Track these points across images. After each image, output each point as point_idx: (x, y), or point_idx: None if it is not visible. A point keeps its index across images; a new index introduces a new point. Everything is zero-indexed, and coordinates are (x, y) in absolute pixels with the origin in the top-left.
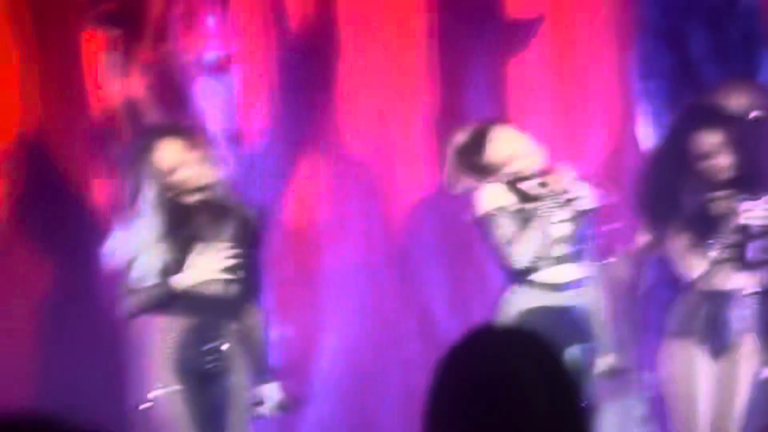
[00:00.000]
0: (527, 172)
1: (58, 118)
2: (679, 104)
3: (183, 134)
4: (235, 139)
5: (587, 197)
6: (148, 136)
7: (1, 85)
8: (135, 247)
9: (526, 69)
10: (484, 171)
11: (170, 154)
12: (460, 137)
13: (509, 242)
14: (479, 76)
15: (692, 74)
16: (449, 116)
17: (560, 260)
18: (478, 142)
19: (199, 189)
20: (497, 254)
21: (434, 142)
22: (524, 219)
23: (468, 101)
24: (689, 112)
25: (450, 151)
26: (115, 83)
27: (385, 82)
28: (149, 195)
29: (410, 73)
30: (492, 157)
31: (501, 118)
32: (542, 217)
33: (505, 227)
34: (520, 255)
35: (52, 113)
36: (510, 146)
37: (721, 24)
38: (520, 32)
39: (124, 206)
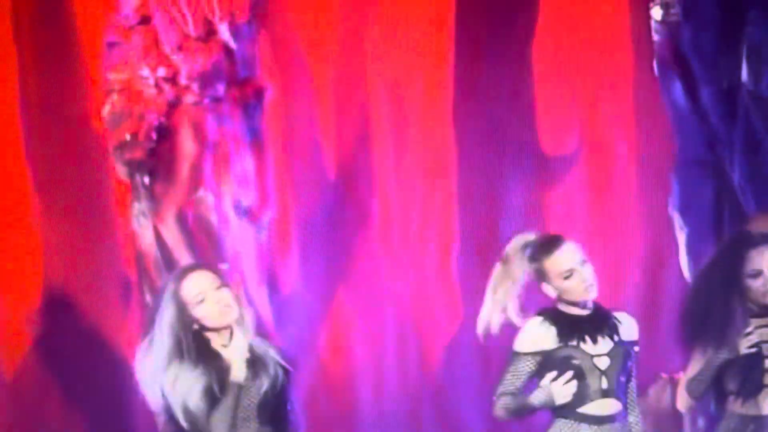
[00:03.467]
0: (578, 297)
1: (87, 269)
2: (719, 234)
3: (213, 270)
4: (269, 282)
5: (629, 327)
6: (180, 269)
7: (23, 238)
8: (148, 369)
9: (563, 201)
10: (541, 273)
11: (197, 285)
12: (526, 238)
13: (549, 382)
14: (516, 208)
15: (731, 203)
16: (485, 250)
17: (604, 393)
18: (546, 245)
19: (221, 328)
20: (539, 391)
21: (471, 278)
22: (566, 357)
23: (504, 235)
24: (741, 234)
25: (511, 249)
26: (146, 231)
27: (419, 220)
28: (167, 318)
29: (443, 211)
30: (554, 264)
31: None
32: (584, 352)
33: (545, 370)
34: (561, 393)
35: (80, 264)
36: (573, 261)
37: (759, 151)
38: (557, 166)
39: (145, 330)
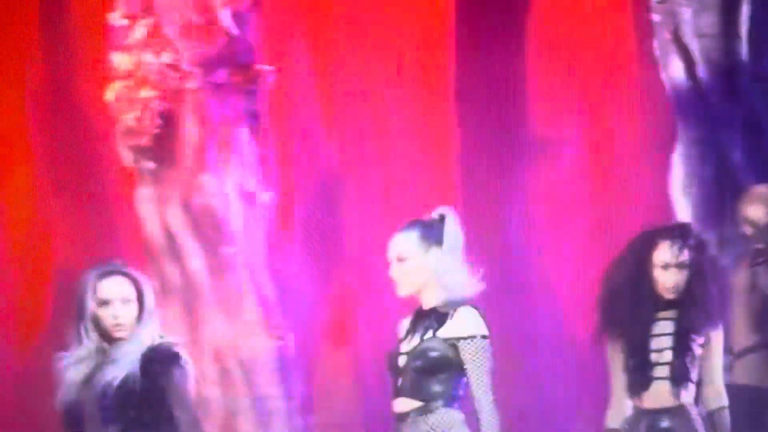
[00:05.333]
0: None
1: (94, 255)
2: (720, 214)
3: (133, 280)
4: (271, 264)
5: (463, 323)
6: (104, 269)
7: (30, 225)
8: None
9: (564, 184)
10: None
11: (109, 291)
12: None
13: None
14: (519, 192)
15: (731, 182)
16: (489, 235)
17: (397, 391)
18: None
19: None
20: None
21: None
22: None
23: (510, 218)
24: (655, 229)
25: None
26: (152, 216)
27: (422, 204)
28: (81, 320)
29: (446, 194)
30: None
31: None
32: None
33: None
34: None
35: (87, 250)
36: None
37: (759, 131)
38: (558, 148)
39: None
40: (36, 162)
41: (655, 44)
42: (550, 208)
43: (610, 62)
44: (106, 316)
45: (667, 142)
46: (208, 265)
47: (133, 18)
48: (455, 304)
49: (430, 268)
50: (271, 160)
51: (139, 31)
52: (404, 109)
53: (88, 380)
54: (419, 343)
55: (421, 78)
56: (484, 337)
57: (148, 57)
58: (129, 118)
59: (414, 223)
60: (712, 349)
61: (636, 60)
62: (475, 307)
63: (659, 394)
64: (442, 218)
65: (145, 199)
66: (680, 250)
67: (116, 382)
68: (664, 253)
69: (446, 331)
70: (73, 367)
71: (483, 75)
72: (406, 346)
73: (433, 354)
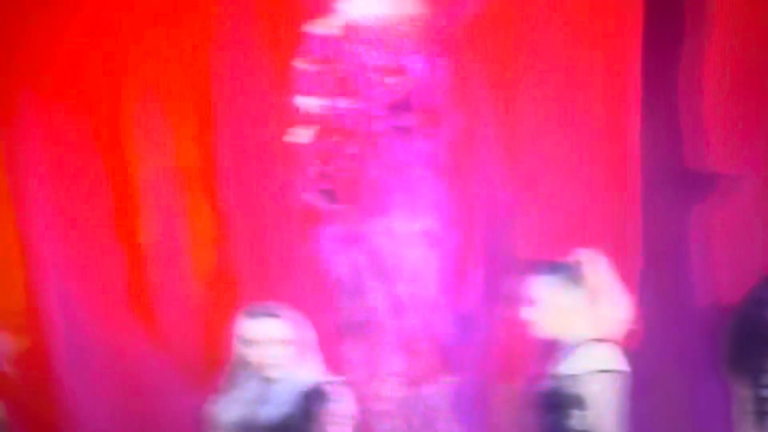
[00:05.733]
0: None
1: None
2: None
3: (284, 319)
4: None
5: None
6: (256, 309)
7: (219, 269)
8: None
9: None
10: None
11: (260, 331)
12: None
13: None
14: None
15: None
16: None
17: None
18: None
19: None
20: None
21: None
22: None
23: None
24: None
25: None
26: (336, 256)
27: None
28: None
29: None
30: None
31: None
32: None
33: None
34: None
35: (274, 288)
36: None
37: None
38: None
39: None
40: (222, 205)
41: None
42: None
43: None
44: (253, 356)
45: None
46: (388, 304)
47: (321, 62)
48: (592, 341)
49: (566, 310)
50: (453, 202)
51: (327, 75)
52: (576, 148)
53: (245, 422)
54: (555, 380)
55: (602, 121)
56: (614, 371)
57: (336, 101)
58: (318, 162)
59: (550, 265)
60: None
61: None
62: (613, 343)
63: None
64: (578, 262)
65: (330, 239)
66: None
67: (273, 421)
68: None
69: (578, 365)
70: (226, 408)
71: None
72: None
73: (568, 391)
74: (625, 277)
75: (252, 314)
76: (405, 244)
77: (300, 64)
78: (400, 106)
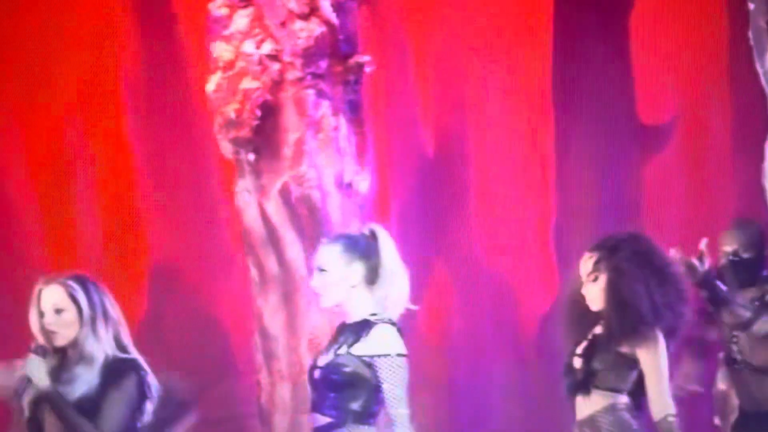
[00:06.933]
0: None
1: (193, 246)
2: None
3: (68, 288)
4: None
5: (376, 341)
6: (47, 278)
7: (127, 216)
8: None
9: (658, 172)
10: None
11: (45, 300)
12: None
13: None
14: (613, 179)
15: None
16: (582, 221)
17: (311, 406)
18: None
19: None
20: None
21: (568, 249)
22: None
23: (603, 205)
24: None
25: None
26: (251, 207)
27: (517, 192)
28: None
29: (541, 183)
30: None
31: None
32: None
33: None
34: None
35: (186, 241)
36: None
37: None
38: (653, 137)
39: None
40: (134, 152)
41: (750, 32)
42: (644, 197)
43: (704, 49)
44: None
45: (759, 129)
46: (305, 255)
47: (233, 8)
48: (377, 321)
49: (351, 283)
50: (369, 151)
51: (240, 21)
52: (501, 100)
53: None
54: (333, 358)
55: (520, 64)
56: (399, 355)
57: (249, 47)
58: (229, 110)
59: (339, 236)
60: (642, 361)
61: (730, 47)
62: (394, 325)
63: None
64: (373, 234)
65: (245, 190)
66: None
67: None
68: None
69: (361, 348)
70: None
71: (580, 62)
72: (322, 360)
73: (345, 369)
74: None
75: (47, 282)
76: (321, 194)
77: (215, 8)
78: (314, 52)
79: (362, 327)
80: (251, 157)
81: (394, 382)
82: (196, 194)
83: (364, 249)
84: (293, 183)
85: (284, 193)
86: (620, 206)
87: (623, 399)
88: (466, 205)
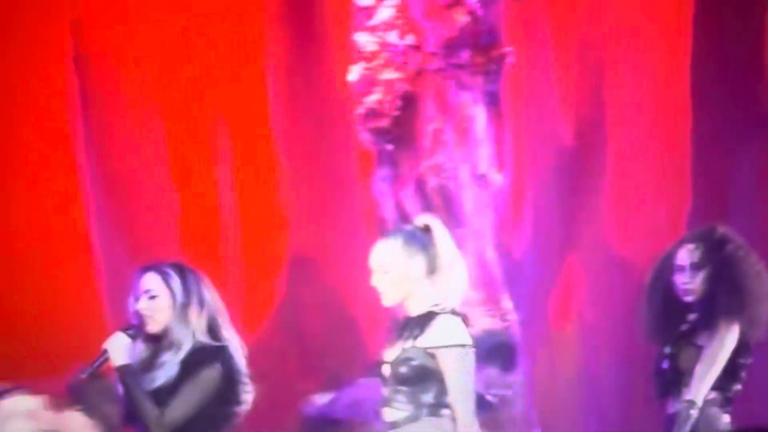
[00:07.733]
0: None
1: (330, 235)
2: None
3: (163, 276)
4: (501, 245)
5: (442, 332)
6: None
7: (267, 205)
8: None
9: None
10: None
11: (145, 284)
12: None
13: None
14: (746, 168)
15: None
16: (716, 212)
17: (383, 401)
18: None
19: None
20: None
21: None
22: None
23: (736, 196)
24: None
25: None
26: (387, 197)
27: (652, 184)
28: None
29: (676, 173)
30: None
31: None
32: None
33: None
34: None
35: (323, 231)
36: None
37: None
38: None
39: None
40: (275, 142)
41: None
42: None
43: None
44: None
45: None
46: None
47: None
48: (440, 312)
49: (413, 277)
50: (506, 142)
51: (385, 12)
52: (639, 90)
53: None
54: (400, 353)
55: (658, 53)
56: (463, 345)
57: (393, 38)
58: (371, 100)
59: (396, 232)
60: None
61: None
62: (458, 315)
63: None
64: (426, 226)
65: (382, 179)
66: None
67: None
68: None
69: (426, 340)
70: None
71: (718, 51)
72: (389, 355)
73: (413, 363)
74: None
75: (146, 269)
76: (456, 185)
77: (359, 1)
78: (456, 43)
79: (426, 319)
80: (389, 147)
81: (458, 373)
82: (333, 183)
83: (423, 241)
84: (430, 173)
85: (420, 184)
86: (751, 197)
87: (711, 394)
88: (600, 195)
